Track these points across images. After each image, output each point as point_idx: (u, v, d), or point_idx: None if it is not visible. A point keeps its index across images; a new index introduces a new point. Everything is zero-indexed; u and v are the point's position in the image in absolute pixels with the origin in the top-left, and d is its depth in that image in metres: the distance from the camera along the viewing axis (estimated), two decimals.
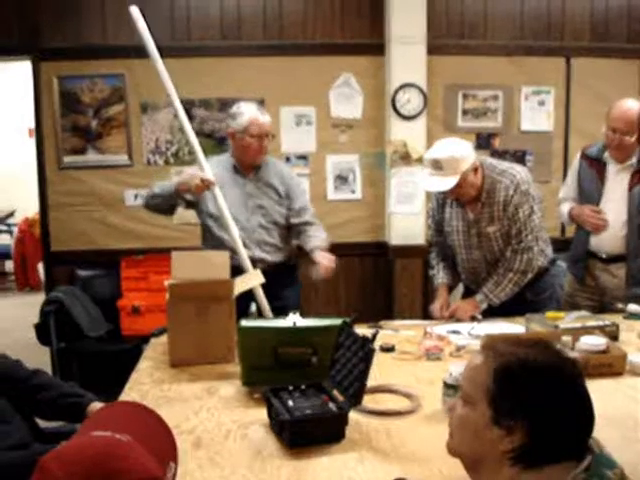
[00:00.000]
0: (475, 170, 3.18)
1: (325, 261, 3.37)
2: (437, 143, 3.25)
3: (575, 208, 3.75)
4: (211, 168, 3.52)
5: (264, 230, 3.60)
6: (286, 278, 3.68)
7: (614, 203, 3.60)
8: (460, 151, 3.14)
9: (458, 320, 3.24)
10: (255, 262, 3.42)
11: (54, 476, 0.99)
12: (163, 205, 3.56)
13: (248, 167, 3.63)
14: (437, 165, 3.10)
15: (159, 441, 1.18)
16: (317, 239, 3.56)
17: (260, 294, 3.30)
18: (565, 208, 3.82)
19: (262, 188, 3.61)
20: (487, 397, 1.36)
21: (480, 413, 1.37)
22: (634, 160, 3.55)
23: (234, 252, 3.25)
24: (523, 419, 1.31)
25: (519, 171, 3.26)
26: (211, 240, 3.58)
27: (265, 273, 3.30)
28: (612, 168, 3.63)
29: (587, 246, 3.71)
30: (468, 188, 3.19)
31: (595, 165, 3.69)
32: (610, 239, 3.62)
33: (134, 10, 3.37)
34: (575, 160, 3.87)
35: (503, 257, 3.32)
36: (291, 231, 3.68)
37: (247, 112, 3.53)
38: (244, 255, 3.35)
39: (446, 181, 3.10)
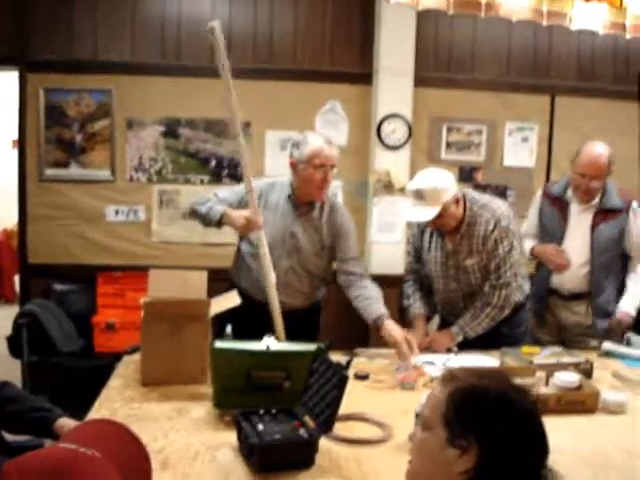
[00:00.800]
0: (457, 201, 3.19)
1: (399, 337, 3.11)
2: (419, 173, 3.26)
3: (537, 247, 3.78)
4: (269, 188, 3.43)
5: (294, 275, 3.41)
6: (305, 324, 3.44)
7: (577, 242, 3.66)
8: (442, 182, 3.15)
9: (434, 351, 3.24)
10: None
11: None
12: (204, 224, 3.41)
13: (304, 202, 3.39)
14: (419, 195, 3.12)
15: (130, 459, 1.16)
16: (378, 302, 3.34)
17: (277, 314, 3.17)
18: (527, 245, 3.82)
19: (308, 230, 3.37)
20: (442, 419, 1.39)
21: (436, 435, 1.39)
22: (597, 200, 3.62)
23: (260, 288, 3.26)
24: (475, 440, 1.34)
25: (500, 206, 3.28)
26: (243, 267, 3.49)
27: (283, 314, 3.19)
28: (575, 207, 3.68)
29: (548, 284, 3.76)
30: (449, 219, 3.20)
31: (557, 204, 3.74)
32: (572, 277, 3.68)
33: (216, 25, 3.15)
34: (536, 197, 3.92)
35: (481, 291, 3.32)
36: (337, 277, 3.49)
37: (312, 141, 3.30)
38: (275, 300, 3.18)
39: (427, 211, 3.11)
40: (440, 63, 5.28)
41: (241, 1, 5.08)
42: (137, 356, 2.91)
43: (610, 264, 3.65)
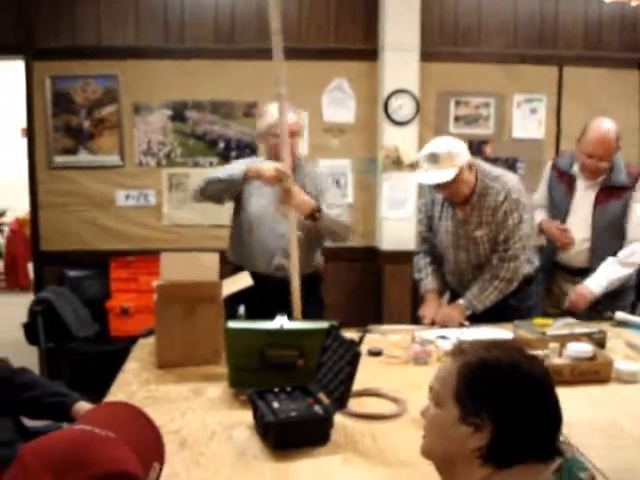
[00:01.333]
0: (470, 168, 3.19)
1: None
2: (432, 140, 3.27)
3: (544, 222, 3.78)
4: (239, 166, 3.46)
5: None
6: (307, 292, 3.33)
7: (580, 218, 3.64)
8: (456, 147, 3.16)
9: (445, 326, 3.24)
10: (277, 269, 3.39)
11: (29, 466, 0.99)
12: (224, 192, 3.41)
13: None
14: (434, 159, 3.10)
15: (145, 441, 1.18)
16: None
17: (296, 292, 3.16)
18: (537, 217, 3.80)
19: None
20: (454, 396, 1.38)
21: (449, 412, 1.39)
22: (603, 177, 3.57)
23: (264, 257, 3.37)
24: (488, 416, 1.33)
25: (511, 179, 3.27)
26: (242, 244, 3.51)
27: (285, 284, 3.18)
28: (581, 183, 3.65)
29: (554, 257, 3.76)
30: (462, 185, 3.19)
31: (565, 178, 3.72)
32: (575, 253, 3.67)
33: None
34: (546, 169, 3.91)
35: (489, 262, 3.32)
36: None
37: (269, 112, 3.42)
38: (295, 259, 3.17)
39: (443, 173, 3.10)
40: (446, 37, 5.24)
41: None
42: (152, 339, 2.93)
43: (611, 243, 3.58)
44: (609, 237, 3.59)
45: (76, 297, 4.89)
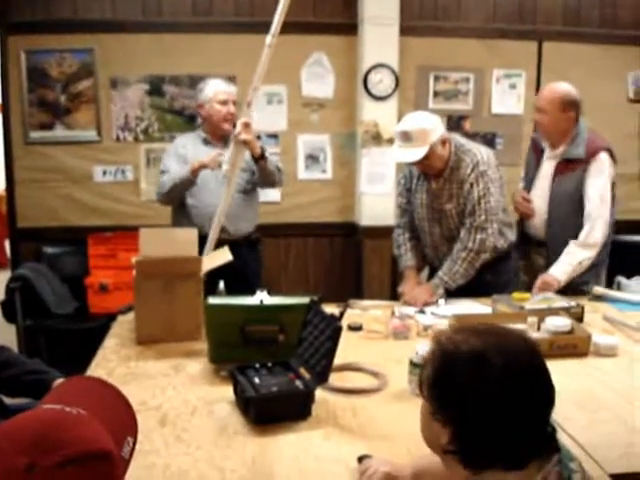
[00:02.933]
0: (443, 143, 3.20)
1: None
2: (406, 116, 3.27)
3: (514, 191, 3.80)
4: (180, 144, 3.78)
5: (234, 201, 3.60)
6: (249, 254, 3.80)
7: (541, 190, 3.64)
8: (429, 123, 3.16)
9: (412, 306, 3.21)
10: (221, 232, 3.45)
11: (1, 448, 0.98)
12: (181, 193, 3.70)
13: (218, 138, 3.80)
14: (406, 137, 3.12)
15: (116, 415, 1.16)
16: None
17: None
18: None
19: (232, 158, 3.51)
20: (426, 390, 1.32)
21: (425, 404, 1.33)
22: (562, 148, 3.53)
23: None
24: (448, 414, 1.26)
25: (482, 152, 3.28)
26: (191, 204, 3.73)
27: (228, 244, 3.30)
28: (546, 154, 3.65)
29: (524, 229, 3.77)
30: (436, 160, 3.20)
31: (536, 149, 3.75)
32: (535, 225, 3.68)
33: None
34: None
35: (458, 236, 3.33)
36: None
37: (213, 83, 3.79)
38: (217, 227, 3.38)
39: (415, 152, 3.12)
40: (426, 11, 5.22)
41: None
42: (131, 315, 2.92)
43: (567, 216, 3.50)
44: (565, 210, 3.51)
45: (54, 274, 4.84)
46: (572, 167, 3.48)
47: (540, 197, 3.62)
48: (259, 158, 3.57)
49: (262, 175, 3.70)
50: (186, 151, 3.76)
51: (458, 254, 3.27)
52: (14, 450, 0.96)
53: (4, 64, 4.93)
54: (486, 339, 1.27)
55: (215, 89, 3.74)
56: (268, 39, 3.22)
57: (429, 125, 3.14)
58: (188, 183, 3.62)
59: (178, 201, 3.75)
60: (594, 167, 3.42)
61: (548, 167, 3.60)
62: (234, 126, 3.49)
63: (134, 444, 1.13)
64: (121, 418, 1.16)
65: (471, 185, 3.21)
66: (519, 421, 1.23)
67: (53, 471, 0.95)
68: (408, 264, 3.52)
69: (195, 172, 3.56)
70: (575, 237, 3.42)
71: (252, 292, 2.54)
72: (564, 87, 3.50)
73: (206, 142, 3.80)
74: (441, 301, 3.23)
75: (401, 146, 3.17)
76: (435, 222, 3.39)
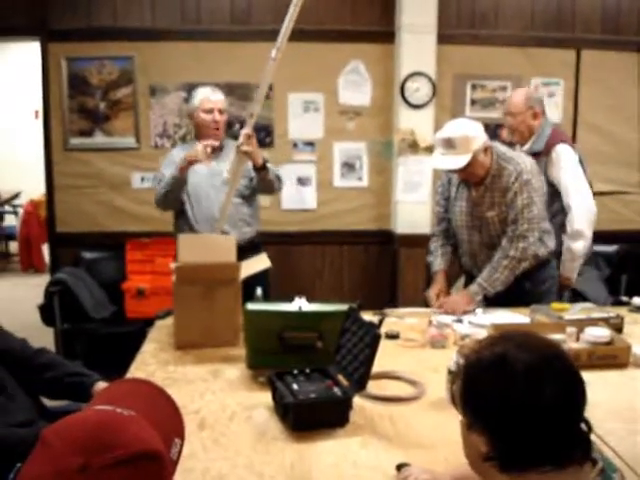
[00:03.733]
0: (485, 150, 3.19)
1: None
2: (448, 123, 3.26)
3: None
4: (175, 154, 3.77)
5: (232, 206, 3.62)
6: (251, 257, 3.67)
7: None
8: (472, 130, 3.15)
9: (452, 314, 3.19)
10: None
11: (54, 448, 0.99)
12: (176, 195, 3.66)
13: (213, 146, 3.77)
14: (449, 144, 3.11)
15: (164, 417, 1.18)
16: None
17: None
18: None
19: (225, 165, 3.58)
20: (460, 404, 1.32)
21: (462, 419, 1.33)
22: (528, 145, 3.83)
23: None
24: (481, 422, 1.26)
25: (524, 161, 3.26)
26: (191, 212, 3.72)
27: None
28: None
29: None
30: (478, 168, 3.19)
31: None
32: None
33: None
34: None
35: (499, 244, 3.31)
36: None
37: (201, 91, 3.78)
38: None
39: (457, 159, 3.10)
40: (463, 19, 5.21)
41: None
42: (169, 320, 2.95)
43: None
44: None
45: (92, 279, 4.90)
46: (536, 160, 3.55)
47: None
48: (260, 168, 3.58)
49: (262, 184, 3.70)
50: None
51: (499, 261, 3.25)
52: (68, 450, 0.98)
53: (45, 71, 5.01)
54: (507, 343, 1.27)
55: (201, 97, 3.73)
56: (273, 52, 3.22)
57: (472, 132, 3.13)
58: (179, 183, 3.59)
59: (176, 204, 3.74)
60: (554, 159, 3.73)
61: None
62: (229, 134, 3.60)
63: (181, 445, 1.15)
64: (169, 419, 1.18)
65: (515, 194, 3.19)
66: (555, 415, 1.22)
67: (105, 471, 0.96)
68: (436, 268, 3.52)
69: (183, 170, 3.54)
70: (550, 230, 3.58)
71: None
72: (525, 89, 3.86)
73: None
74: (479, 310, 3.21)
75: (443, 154, 3.15)
76: (474, 230, 3.38)
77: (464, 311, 3.20)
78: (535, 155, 3.61)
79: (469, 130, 3.14)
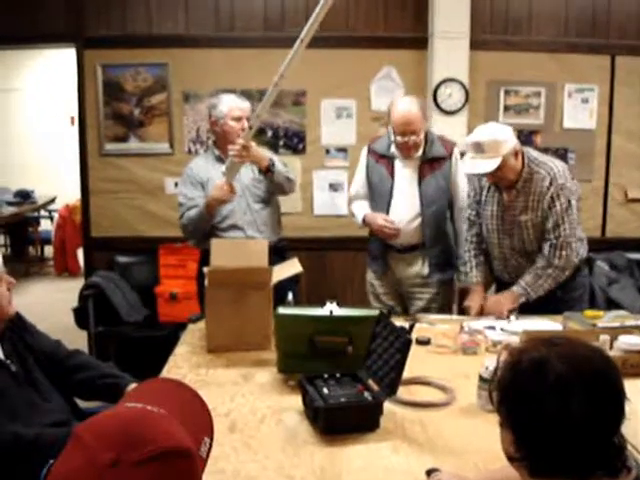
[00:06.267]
0: (516, 154, 3.17)
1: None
2: (478, 127, 3.26)
3: (368, 215, 3.75)
4: (195, 168, 3.78)
5: (253, 210, 3.72)
6: (278, 262, 3.56)
7: (405, 196, 3.68)
8: (501, 134, 3.14)
9: (496, 314, 3.21)
10: None
11: (86, 444, 1.01)
12: (205, 226, 3.67)
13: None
14: (479, 148, 3.10)
15: (194, 415, 1.19)
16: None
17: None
18: (358, 210, 3.84)
19: (242, 170, 3.63)
20: (494, 399, 1.33)
21: (498, 415, 1.33)
22: (420, 152, 3.64)
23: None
24: (510, 423, 1.27)
25: (557, 165, 3.25)
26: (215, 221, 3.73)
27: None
28: (399, 162, 3.70)
29: (384, 240, 3.75)
30: (508, 172, 3.17)
31: (383, 160, 3.75)
32: (404, 233, 3.67)
33: None
34: (362, 156, 3.91)
35: (539, 250, 3.29)
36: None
37: (227, 99, 3.76)
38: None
39: (487, 163, 3.09)
40: (496, 25, 5.17)
41: None
42: (201, 324, 2.97)
43: (440, 215, 3.71)
44: (438, 209, 3.68)
45: (125, 282, 4.95)
46: (437, 166, 3.66)
47: (405, 205, 3.67)
48: (266, 171, 3.60)
49: (271, 185, 3.71)
50: (201, 174, 3.74)
51: (544, 270, 3.24)
52: (100, 446, 0.99)
53: (81, 78, 5.08)
54: (551, 348, 1.26)
55: (229, 105, 3.70)
56: (276, 78, 3.26)
57: (502, 136, 3.12)
58: (207, 220, 3.63)
59: (201, 236, 3.71)
60: (456, 162, 3.68)
61: (407, 173, 3.68)
62: None
63: (210, 444, 1.16)
64: (198, 418, 1.19)
65: (552, 199, 3.18)
66: (582, 430, 1.20)
67: (137, 467, 0.97)
68: (475, 280, 3.50)
69: (210, 209, 3.57)
70: (450, 234, 3.74)
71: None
72: (415, 104, 3.61)
73: (220, 160, 3.74)
74: (512, 317, 3.19)
75: (473, 157, 3.14)
76: (505, 234, 3.36)
77: (507, 311, 3.20)
78: (435, 161, 3.65)
79: (498, 134, 3.13)
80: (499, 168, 3.09)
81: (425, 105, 3.73)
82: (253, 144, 3.52)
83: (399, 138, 3.57)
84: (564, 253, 3.22)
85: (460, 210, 3.69)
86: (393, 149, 3.69)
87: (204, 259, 3.52)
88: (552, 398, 1.20)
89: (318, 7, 3.14)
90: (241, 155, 3.42)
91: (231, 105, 3.70)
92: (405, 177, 3.68)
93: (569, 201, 3.19)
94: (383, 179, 3.71)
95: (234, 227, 3.69)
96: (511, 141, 3.14)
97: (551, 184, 3.17)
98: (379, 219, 3.66)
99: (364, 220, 3.76)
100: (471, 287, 3.50)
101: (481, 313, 3.32)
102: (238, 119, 3.67)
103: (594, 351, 1.29)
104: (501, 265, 3.47)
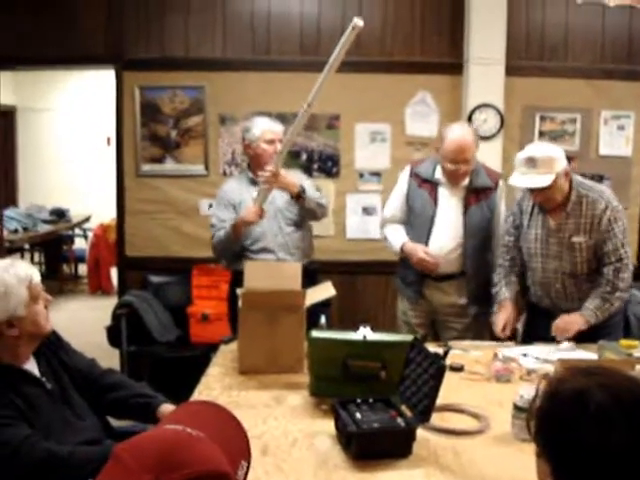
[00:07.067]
0: (566, 175, 3.16)
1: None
2: (531, 144, 3.27)
3: (408, 246, 3.65)
4: (229, 191, 3.86)
5: (285, 233, 3.77)
6: (308, 284, 3.50)
7: (448, 225, 3.61)
8: (555, 152, 3.14)
9: (563, 333, 3.15)
10: None
11: (127, 464, 1.02)
12: (234, 246, 3.74)
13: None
14: (532, 163, 3.08)
15: (232, 439, 1.19)
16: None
17: None
18: (394, 237, 3.75)
19: (276, 193, 3.69)
20: (532, 428, 1.31)
21: (535, 444, 1.31)
22: (467, 181, 3.58)
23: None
24: (547, 454, 1.24)
25: (605, 189, 3.28)
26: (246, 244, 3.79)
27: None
28: (444, 189, 3.63)
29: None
30: (556, 192, 3.16)
31: (426, 185, 3.67)
32: (445, 262, 3.60)
33: (360, 24, 3.33)
34: (402, 178, 3.82)
35: (588, 273, 3.26)
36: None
37: (260, 122, 3.83)
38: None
39: (541, 179, 3.07)
40: (532, 51, 5.17)
41: None
42: (234, 345, 2.98)
43: (483, 246, 3.66)
44: (480, 239, 3.64)
45: (158, 302, 4.98)
46: (483, 196, 3.62)
47: (448, 233, 3.62)
48: (297, 197, 3.64)
49: (302, 211, 3.75)
50: (233, 196, 3.80)
51: (611, 294, 3.21)
52: (139, 468, 1.00)
53: (119, 99, 5.15)
54: (591, 377, 1.24)
55: (262, 128, 3.75)
56: (305, 105, 3.32)
57: (555, 154, 3.12)
58: (235, 241, 3.69)
59: (231, 256, 3.81)
60: (501, 194, 3.69)
61: (453, 201, 3.63)
62: None
63: (247, 468, 1.16)
64: (236, 442, 1.19)
65: (609, 222, 3.17)
66: (623, 461, 1.17)
67: None
68: (503, 296, 3.43)
69: (237, 230, 3.62)
70: (491, 265, 3.63)
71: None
72: (469, 132, 3.57)
73: (253, 182, 3.78)
74: (567, 343, 3.12)
75: (525, 173, 3.11)
76: (550, 258, 3.31)
77: (575, 332, 3.15)
78: (482, 191, 3.62)
79: (552, 151, 3.14)
80: (549, 186, 3.09)
81: (477, 134, 3.69)
82: (283, 171, 3.56)
83: (449, 165, 3.52)
84: (626, 276, 3.21)
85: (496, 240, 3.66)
86: (438, 175, 3.64)
87: (235, 280, 3.56)
88: (592, 428, 1.18)
89: (344, 37, 3.19)
90: (270, 181, 3.46)
91: (264, 128, 3.75)
92: (450, 205, 3.63)
93: (625, 224, 3.21)
94: (425, 205, 3.65)
95: (265, 250, 3.72)
96: (563, 161, 3.13)
97: (607, 207, 3.16)
98: (420, 252, 3.59)
99: (402, 249, 3.69)
100: (500, 302, 3.43)
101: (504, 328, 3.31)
102: (271, 142, 3.71)
103: (633, 381, 1.27)
104: (542, 290, 3.41)
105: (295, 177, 3.77)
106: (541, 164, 3.07)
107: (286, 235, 3.75)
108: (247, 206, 3.60)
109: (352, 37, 3.14)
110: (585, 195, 3.20)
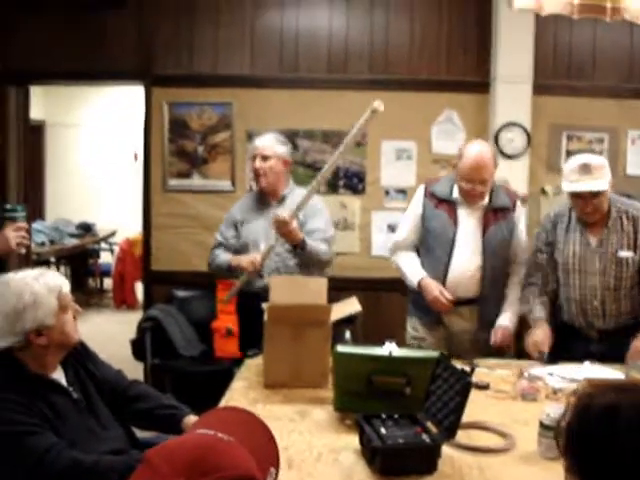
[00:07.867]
0: (612, 186, 3.19)
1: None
2: (578, 155, 3.31)
3: (425, 282, 3.52)
4: (236, 209, 4.01)
5: (280, 257, 3.79)
6: None
7: (468, 247, 3.51)
8: (605, 160, 3.21)
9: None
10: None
11: (159, 469, 1.03)
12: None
13: (271, 195, 3.93)
14: (586, 169, 3.09)
15: (261, 446, 1.20)
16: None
17: None
18: (409, 268, 3.67)
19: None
20: (561, 443, 1.30)
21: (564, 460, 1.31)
22: (485, 200, 3.50)
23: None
24: (579, 468, 1.24)
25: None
26: None
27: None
28: (463, 209, 3.53)
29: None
30: (604, 202, 3.17)
31: (443, 206, 3.56)
32: (464, 284, 3.51)
33: (380, 109, 3.46)
34: (417, 199, 3.68)
35: (630, 289, 3.24)
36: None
37: (258, 139, 3.96)
38: None
39: (597, 183, 3.09)
40: (560, 70, 5.16)
41: (358, 12, 5.13)
42: (259, 359, 2.98)
43: (501, 269, 3.57)
44: (499, 260, 3.55)
45: (183, 316, 5.00)
46: (501, 216, 3.54)
47: (467, 254, 3.51)
48: (295, 247, 3.68)
49: (300, 260, 3.76)
50: (237, 215, 3.95)
51: None
52: (170, 471, 1.01)
53: (148, 114, 5.21)
54: (621, 393, 1.25)
55: (255, 145, 3.91)
56: (319, 177, 3.55)
57: (605, 162, 3.19)
58: (227, 274, 3.89)
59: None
60: (520, 213, 3.64)
61: (472, 221, 3.53)
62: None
63: (276, 474, 1.17)
64: (266, 448, 1.20)
65: None
66: None
67: None
68: (537, 316, 3.35)
69: (233, 269, 3.80)
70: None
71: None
72: (488, 151, 3.48)
73: (258, 199, 3.95)
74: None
75: (578, 180, 3.10)
76: (590, 274, 3.26)
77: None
78: (500, 211, 3.54)
79: (603, 159, 3.21)
80: (603, 193, 3.11)
81: (496, 154, 3.62)
82: (294, 222, 3.61)
83: (464, 184, 3.42)
84: None
85: (518, 265, 3.57)
86: (456, 194, 3.53)
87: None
88: (623, 444, 1.18)
89: (362, 118, 3.25)
90: (279, 228, 3.55)
91: (256, 144, 3.90)
92: (469, 226, 3.52)
93: None
94: (446, 226, 3.52)
95: (272, 270, 3.81)
96: (609, 172, 3.17)
97: None
98: (435, 290, 3.46)
99: (419, 283, 3.55)
100: (536, 322, 3.33)
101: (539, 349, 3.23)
102: (254, 157, 3.85)
103: None
104: (578, 308, 3.34)
105: (315, 220, 3.81)
106: (595, 170, 3.09)
107: (280, 259, 3.81)
108: (251, 256, 3.74)
109: (371, 119, 3.17)
110: (625, 211, 3.21)
